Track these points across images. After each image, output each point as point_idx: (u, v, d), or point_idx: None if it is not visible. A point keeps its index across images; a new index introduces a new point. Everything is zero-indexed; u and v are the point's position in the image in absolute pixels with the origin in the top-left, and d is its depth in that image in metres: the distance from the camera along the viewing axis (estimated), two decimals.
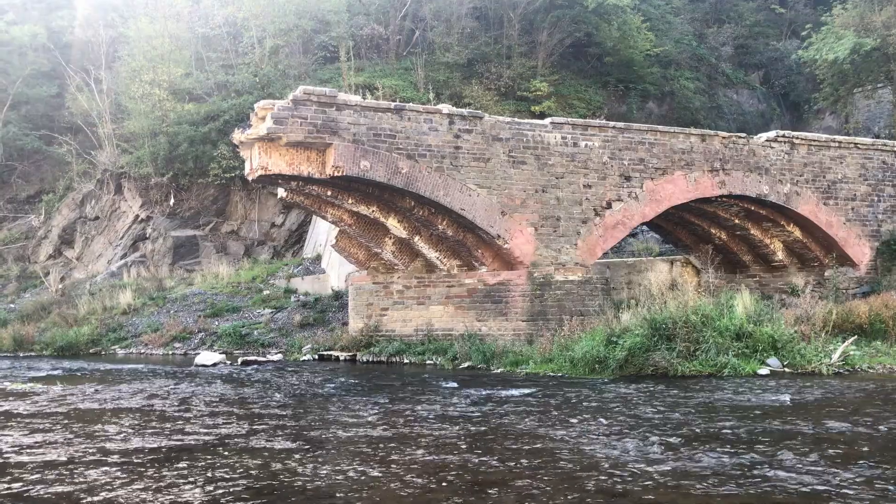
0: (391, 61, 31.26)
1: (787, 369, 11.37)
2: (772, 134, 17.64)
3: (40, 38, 35.48)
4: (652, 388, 9.99)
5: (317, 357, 16.40)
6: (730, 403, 8.71)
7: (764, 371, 11.18)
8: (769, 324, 12.13)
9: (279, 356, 16.92)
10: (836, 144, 18.20)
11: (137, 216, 29.16)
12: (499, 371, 13.02)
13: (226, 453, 6.57)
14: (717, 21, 38.22)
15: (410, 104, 14.41)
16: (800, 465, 5.83)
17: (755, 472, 5.68)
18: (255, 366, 15.10)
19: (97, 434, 7.55)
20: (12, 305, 24.60)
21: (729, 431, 7.16)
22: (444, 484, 5.51)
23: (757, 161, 16.99)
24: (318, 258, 24.03)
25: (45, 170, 34.55)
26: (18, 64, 34.63)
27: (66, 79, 33.47)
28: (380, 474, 5.78)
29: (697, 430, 7.24)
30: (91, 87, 31.37)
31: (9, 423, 8.28)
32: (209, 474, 5.82)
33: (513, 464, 6.06)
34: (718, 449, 6.42)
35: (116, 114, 30.76)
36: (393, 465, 6.05)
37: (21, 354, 19.59)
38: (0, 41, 34.56)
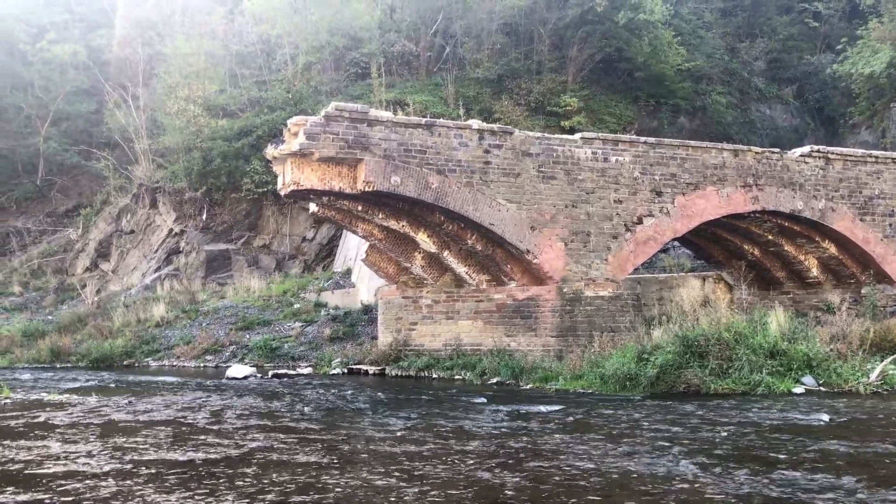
0: (422, 77, 31.52)
1: (822, 388, 11.15)
2: (806, 149, 17.40)
3: (80, 56, 36.44)
4: (684, 406, 9.86)
5: (346, 371, 16.47)
6: (764, 422, 8.56)
7: (799, 390, 10.97)
8: (804, 342, 11.92)
9: (309, 369, 17.02)
10: (873, 160, 17.88)
11: (171, 230, 29.66)
12: (528, 387, 12.95)
13: (256, 466, 6.62)
14: (750, 35, 37.88)
15: (441, 120, 14.50)
16: (837, 487, 5.71)
17: (791, 492, 5.57)
18: (286, 379, 15.21)
19: (130, 446, 7.66)
20: (50, 317, 25.11)
21: (763, 451, 7.04)
22: (473, 500, 5.49)
23: (791, 176, 16.76)
24: (348, 272, 24.18)
25: (83, 184, 35.38)
26: (59, 81, 35.60)
27: (104, 95, 34.29)
28: (408, 489, 5.78)
29: (731, 449, 7.12)
30: (128, 104, 32.09)
31: (45, 434, 8.44)
32: (239, 487, 5.88)
33: (542, 481, 6.02)
34: (752, 469, 6.31)
35: (152, 129, 31.40)
36: (421, 481, 6.05)
37: (58, 365, 19.97)
38: (42, 60, 35.57)
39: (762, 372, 11.18)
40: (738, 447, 7.24)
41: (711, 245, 18.93)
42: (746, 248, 18.33)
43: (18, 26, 36.50)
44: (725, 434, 7.89)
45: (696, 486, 5.80)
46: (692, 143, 16.56)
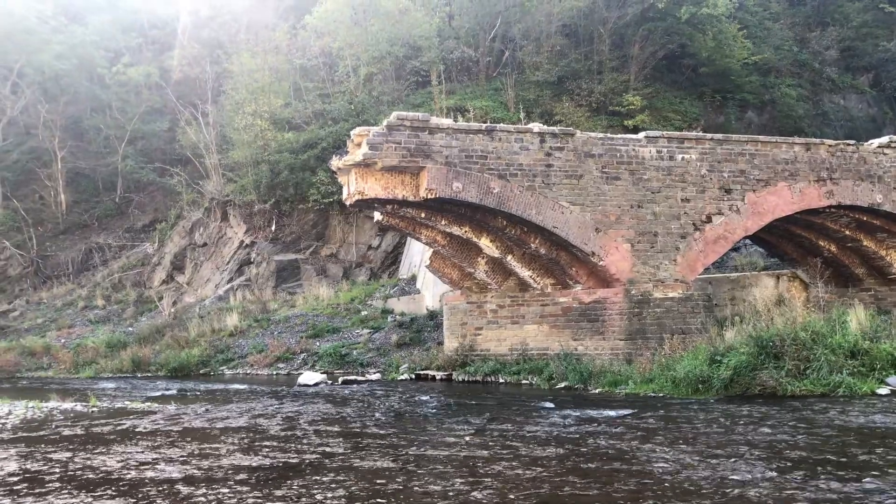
0: (481, 83, 31.57)
1: None
2: (884, 139, 16.68)
3: (153, 77, 38.04)
4: (760, 409, 9.58)
5: (414, 376, 16.61)
6: (846, 425, 8.24)
7: (883, 391, 10.50)
8: (888, 340, 11.42)
9: (377, 375, 17.24)
10: None
11: (242, 242, 30.51)
12: (597, 391, 12.80)
13: (329, 472, 6.76)
14: (821, 24, 36.55)
15: (501, 125, 14.50)
16: None
17: (877, 501, 5.35)
18: (355, 385, 15.44)
19: (207, 452, 7.92)
20: (131, 329, 26.16)
21: (846, 456, 6.77)
22: None
23: (868, 169, 16.09)
24: (413, 279, 24.39)
25: (158, 200, 36.80)
26: (135, 102, 37.28)
27: (176, 114, 35.62)
28: (478, 494, 5.81)
29: (811, 454, 6.89)
30: (199, 121, 33.23)
31: (128, 440, 8.82)
32: (313, 493, 6.01)
33: (613, 486, 5.95)
34: (835, 474, 6.09)
35: (222, 145, 32.42)
36: (491, 486, 6.06)
37: (139, 375, 20.79)
38: (119, 82, 37.29)
39: (842, 372, 10.76)
40: (819, 451, 6.99)
41: (785, 242, 18.32)
42: (822, 244, 17.67)
43: (97, 52, 38.32)
44: (805, 437, 7.63)
45: (776, 492, 5.63)
46: (761, 137, 16.09)
